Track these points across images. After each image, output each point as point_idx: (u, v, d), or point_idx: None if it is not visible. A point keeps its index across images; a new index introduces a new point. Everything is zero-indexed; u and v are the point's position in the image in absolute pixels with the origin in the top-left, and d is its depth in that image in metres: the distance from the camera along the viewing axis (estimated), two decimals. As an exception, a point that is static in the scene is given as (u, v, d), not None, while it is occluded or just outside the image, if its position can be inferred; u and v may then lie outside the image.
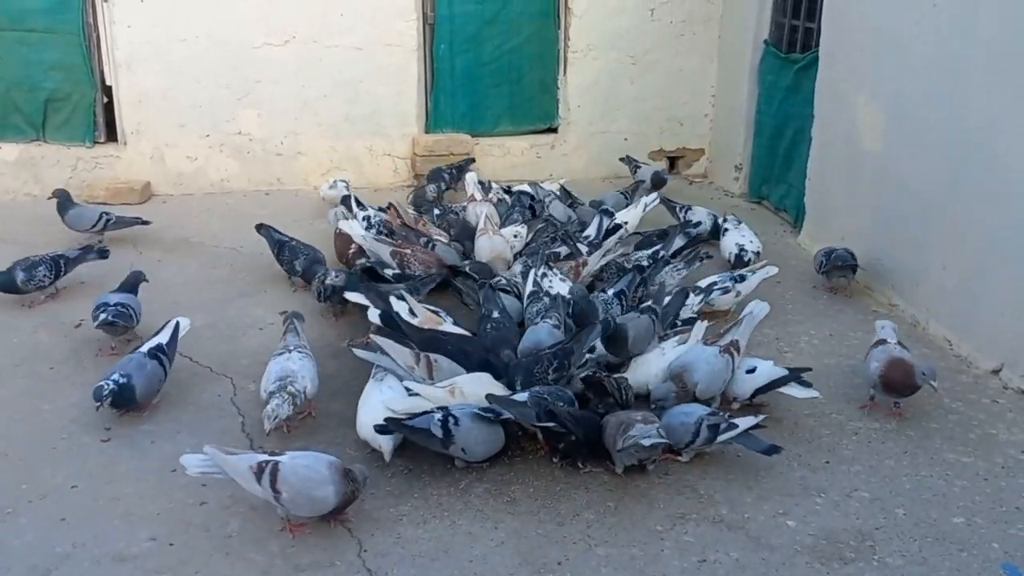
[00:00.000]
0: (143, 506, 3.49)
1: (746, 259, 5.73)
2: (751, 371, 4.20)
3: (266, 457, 3.29)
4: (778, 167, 7.21)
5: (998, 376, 4.56)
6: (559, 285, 4.97)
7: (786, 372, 4.18)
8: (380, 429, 3.66)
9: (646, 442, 3.55)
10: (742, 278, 5.21)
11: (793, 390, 4.15)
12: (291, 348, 4.11)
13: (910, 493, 3.64)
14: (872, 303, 5.52)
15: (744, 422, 3.77)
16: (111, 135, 7.63)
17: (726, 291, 5.12)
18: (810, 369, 4.32)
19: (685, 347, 4.32)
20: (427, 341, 4.22)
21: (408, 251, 5.44)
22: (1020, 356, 4.46)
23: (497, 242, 5.66)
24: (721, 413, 3.82)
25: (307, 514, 3.30)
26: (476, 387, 3.88)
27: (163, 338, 4.29)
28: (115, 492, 3.57)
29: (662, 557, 3.28)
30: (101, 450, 3.87)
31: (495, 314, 4.65)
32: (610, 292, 4.88)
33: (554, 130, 8.28)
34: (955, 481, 3.73)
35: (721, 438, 3.71)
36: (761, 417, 3.87)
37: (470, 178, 6.88)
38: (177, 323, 4.40)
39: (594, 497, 3.61)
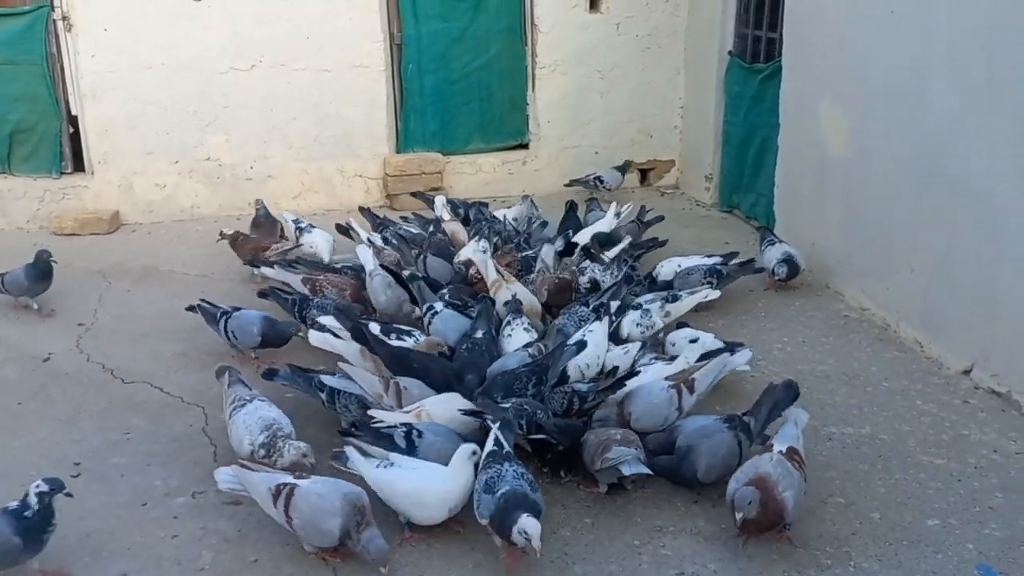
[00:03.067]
0: (114, 541, 3.44)
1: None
2: (694, 340, 4.52)
3: (286, 479, 3.23)
4: (747, 176, 7.26)
5: (969, 376, 4.60)
6: (520, 335, 4.68)
7: (722, 344, 4.48)
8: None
9: (625, 470, 3.51)
10: (674, 298, 5.11)
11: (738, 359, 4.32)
12: (248, 399, 3.86)
13: (884, 497, 3.66)
14: (843, 307, 5.56)
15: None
16: (78, 165, 7.57)
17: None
18: (743, 344, 4.59)
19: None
20: (394, 357, 4.19)
21: (321, 277, 5.35)
22: (990, 356, 4.50)
23: (525, 295, 5.04)
24: (738, 416, 3.75)
25: (317, 544, 3.23)
26: (443, 408, 3.84)
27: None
28: (85, 528, 3.51)
29: (640, 572, 3.26)
30: (71, 485, 3.74)
31: (478, 334, 4.50)
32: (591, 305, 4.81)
33: (525, 146, 8.31)
34: (929, 483, 3.74)
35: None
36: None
37: (439, 201, 6.86)
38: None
39: (571, 514, 3.59)
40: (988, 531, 3.44)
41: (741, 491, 3.23)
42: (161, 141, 7.52)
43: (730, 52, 7.39)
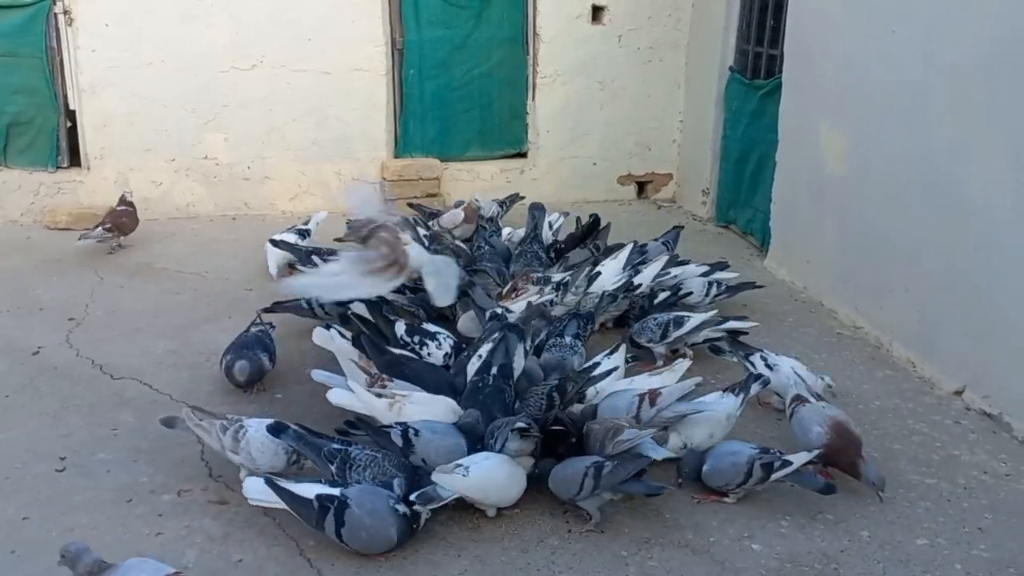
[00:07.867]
0: (97, 537, 3.39)
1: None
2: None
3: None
4: (744, 191, 7.28)
5: (960, 397, 4.60)
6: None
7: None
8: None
9: (654, 455, 3.55)
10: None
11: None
12: (238, 418, 3.71)
13: (874, 515, 3.64)
14: (836, 325, 5.56)
15: (798, 458, 3.60)
16: (74, 160, 7.55)
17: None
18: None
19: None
20: (389, 364, 4.17)
21: None
22: (981, 378, 4.50)
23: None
24: (773, 451, 3.68)
25: None
26: (424, 410, 3.79)
27: None
28: (69, 523, 3.48)
29: (627, 583, 3.25)
30: (55, 480, 3.78)
31: (494, 370, 3.96)
32: (567, 337, 4.60)
33: (523, 155, 8.31)
34: (918, 503, 3.74)
35: (775, 476, 3.59)
36: (816, 452, 3.71)
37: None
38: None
39: (559, 522, 3.57)
40: (976, 552, 3.43)
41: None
42: (159, 138, 7.50)
43: (731, 67, 7.41)
